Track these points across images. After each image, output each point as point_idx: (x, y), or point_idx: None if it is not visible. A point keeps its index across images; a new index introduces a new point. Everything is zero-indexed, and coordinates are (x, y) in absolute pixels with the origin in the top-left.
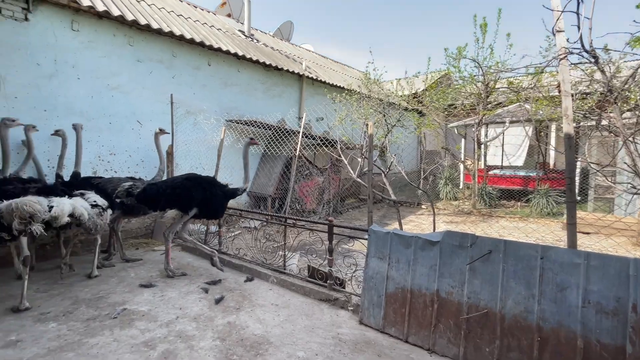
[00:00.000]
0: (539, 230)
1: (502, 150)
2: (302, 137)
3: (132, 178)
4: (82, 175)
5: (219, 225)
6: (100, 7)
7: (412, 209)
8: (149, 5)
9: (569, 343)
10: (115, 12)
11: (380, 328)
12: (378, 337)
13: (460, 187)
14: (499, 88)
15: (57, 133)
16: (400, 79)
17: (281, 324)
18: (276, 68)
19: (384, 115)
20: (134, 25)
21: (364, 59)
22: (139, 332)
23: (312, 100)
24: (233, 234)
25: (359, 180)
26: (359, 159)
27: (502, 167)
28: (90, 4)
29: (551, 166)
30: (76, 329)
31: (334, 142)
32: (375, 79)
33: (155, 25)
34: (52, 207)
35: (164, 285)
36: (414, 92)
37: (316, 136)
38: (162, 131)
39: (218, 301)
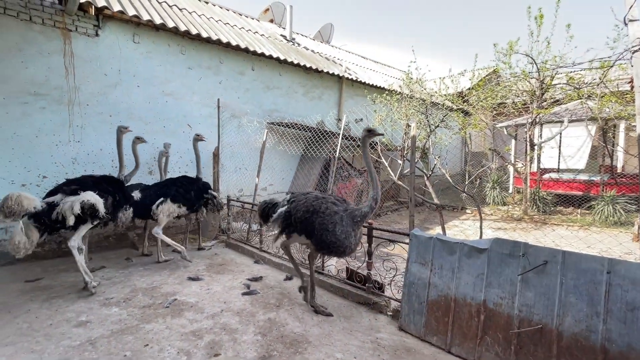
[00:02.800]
0: (603, 241)
1: (559, 152)
2: (341, 138)
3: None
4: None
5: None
6: (158, 20)
7: (455, 213)
8: (199, 15)
9: None
10: (170, 24)
11: (420, 336)
12: (419, 345)
13: (510, 191)
14: (556, 84)
15: (164, 146)
16: (444, 77)
17: (320, 324)
18: (316, 70)
19: (427, 116)
20: (186, 35)
21: (406, 56)
22: (187, 321)
23: (351, 101)
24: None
25: (399, 182)
26: (399, 161)
27: (558, 170)
28: (149, 17)
29: (619, 170)
30: (134, 314)
31: (374, 144)
32: (418, 78)
33: (204, 34)
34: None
35: (210, 279)
36: (459, 90)
37: (355, 137)
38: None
39: (258, 297)
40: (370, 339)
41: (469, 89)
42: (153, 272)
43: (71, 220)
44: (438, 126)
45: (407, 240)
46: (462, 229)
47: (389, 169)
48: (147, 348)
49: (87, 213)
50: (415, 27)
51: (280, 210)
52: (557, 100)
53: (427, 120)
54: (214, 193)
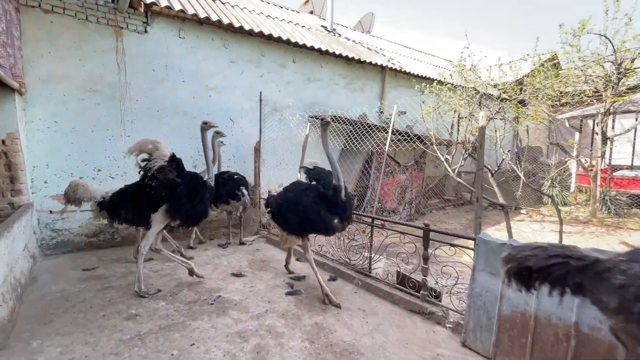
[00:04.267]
0: None
1: (634, 147)
2: (383, 132)
3: None
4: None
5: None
6: (202, 14)
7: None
8: (241, 9)
9: None
10: (214, 18)
11: (490, 356)
12: None
13: (571, 190)
14: (637, 68)
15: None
16: (501, 64)
17: (371, 333)
18: (358, 61)
19: (481, 107)
20: (229, 28)
21: (451, 44)
22: (232, 321)
23: (394, 93)
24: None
25: (459, 180)
26: (447, 156)
27: (632, 167)
28: (194, 12)
29: None
30: (180, 310)
31: (421, 138)
32: (473, 65)
33: (247, 27)
34: None
35: (253, 276)
36: (518, 77)
37: (401, 131)
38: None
39: (303, 299)
40: (430, 354)
41: (526, 76)
42: (198, 267)
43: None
44: (492, 118)
45: (472, 246)
46: (518, 230)
47: (446, 164)
48: (194, 348)
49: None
50: (461, 14)
51: None
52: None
53: (481, 111)
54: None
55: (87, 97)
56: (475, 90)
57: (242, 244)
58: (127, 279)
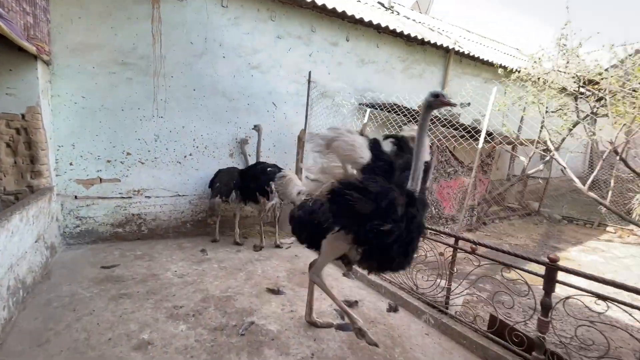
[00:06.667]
0: None
1: None
2: (444, 126)
3: None
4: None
5: None
6: None
7: (587, 229)
8: None
9: None
10: None
11: None
12: None
13: None
14: None
15: (254, 128)
16: (612, 45)
17: None
18: (421, 42)
19: (577, 100)
20: None
21: (527, 36)
22: None
23: (457, 81)
24: None
25: (590, 194)
26: (522, 158)
27: None
28: None
29: None
30: (203, 340)
31: (491, 135)
32: (580, 44)
33: None
34: None
35: (292, 294)
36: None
37: (467, 127)
38: None
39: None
40: None
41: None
42: (228, 275)
43: None
44: (594, 114)
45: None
46: (613, 256)
47: (568, 169)
48: None
49: None
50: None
51: None
52: None
53: (577, 107)
54: None
55: (118, 70)
56: (578, 78)
57: (277, 246)
58: (147, 284)
